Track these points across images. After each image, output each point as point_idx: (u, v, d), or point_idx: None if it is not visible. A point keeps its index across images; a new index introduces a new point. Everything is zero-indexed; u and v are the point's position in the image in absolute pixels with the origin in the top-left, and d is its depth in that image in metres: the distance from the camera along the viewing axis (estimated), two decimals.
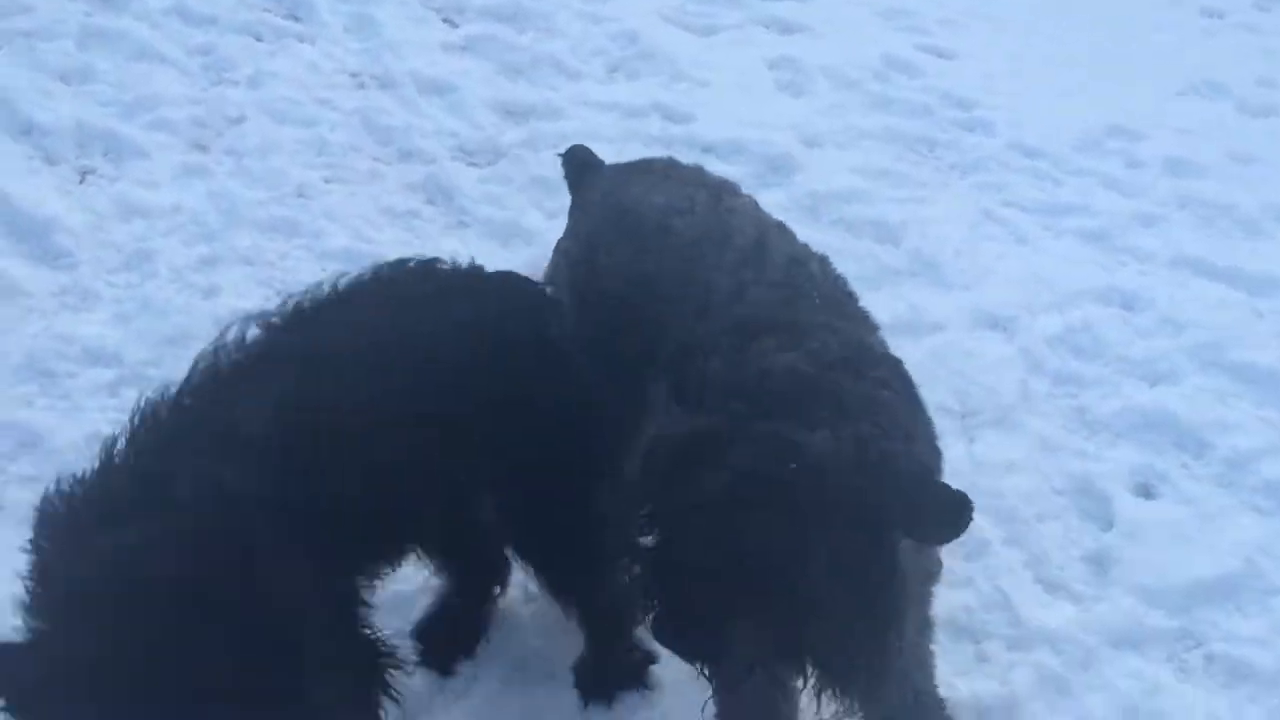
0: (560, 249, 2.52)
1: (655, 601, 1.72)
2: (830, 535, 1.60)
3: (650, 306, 2.17)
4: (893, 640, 1.71)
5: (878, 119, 4.36)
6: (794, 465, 1.61)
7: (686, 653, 1.75)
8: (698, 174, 2.44)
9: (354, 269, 3.24)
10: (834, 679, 1.73)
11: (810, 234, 3.67)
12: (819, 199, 3.87)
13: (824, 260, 2.25)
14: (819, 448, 1.62)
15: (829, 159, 4.10)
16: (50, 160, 3.57)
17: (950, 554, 2.67)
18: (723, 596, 1.63)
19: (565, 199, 3.73)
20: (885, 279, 3.54)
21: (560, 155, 2.70)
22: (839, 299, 2.15)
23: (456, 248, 3.47)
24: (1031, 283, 3.62)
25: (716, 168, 3.95)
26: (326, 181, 3.71)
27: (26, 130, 3.61)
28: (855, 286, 3.49)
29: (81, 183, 3.52)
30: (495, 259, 3.46)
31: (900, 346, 3.24)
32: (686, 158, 3.99)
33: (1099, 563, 2.75)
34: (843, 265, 3.56)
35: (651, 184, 2.33)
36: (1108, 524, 2.84)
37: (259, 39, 4.29)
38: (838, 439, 1.64)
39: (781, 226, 2.31)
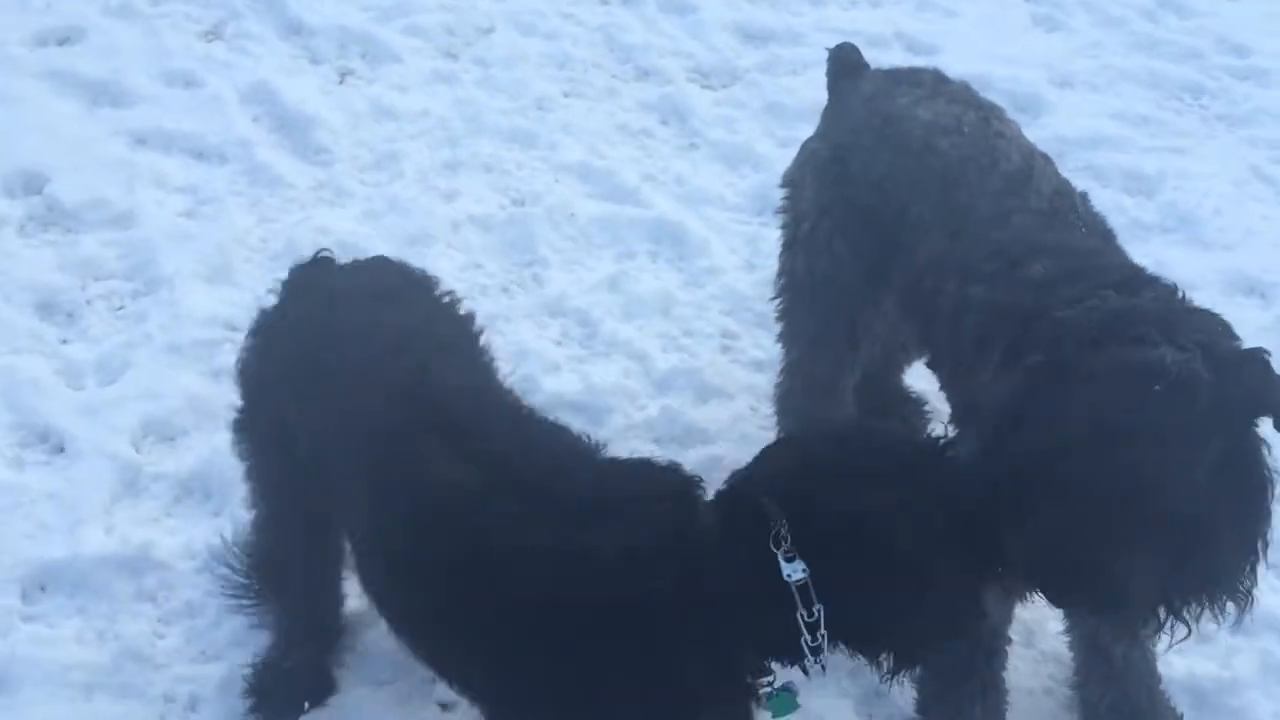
0: (808, 148, 2.47)
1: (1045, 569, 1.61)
2: (1209, 448, 1.54)
3: (899, 223, 2.15)
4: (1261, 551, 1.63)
5: (1140, 61, 4.07)
6: (1158, 386, 1.52)
7: (1095, 606, 1.72)
8: (966, 92, 2.34)
9: (584, 184, 3.40)
10: (1209, 602, 1.66)
11: None
12: (1066, 144, 3.65)
13: (1084, 196, 2.14)
14: (1174, 362, 1.53)
15: (1082, 101, 3.87)
16: (314, 60, 3.78)
17: None
18: (1120, 538, 1.54)
19: (798, 128, 3.70)
20: (1134, 234, 3.31)
21: (827, 50, 2.63)
22: (1104, 233, 2.05)
23: (686, 170, 3.54)
24: None
25: None
26: (565, 95, 3.79)
27: (295, 30, 3.83)
28: None
29: (341, 83, 3.72)
30: (723, 183, 3.50)
31: None
32: None
33: None
34: None
35: (919, 97, 2.26)
36: None
37: None
38: (1183, 349, 1.56)
39: (1046, 157, 2.21)
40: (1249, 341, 2.95)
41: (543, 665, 1.60)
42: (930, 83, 2.33)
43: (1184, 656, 2.30)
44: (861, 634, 1.59)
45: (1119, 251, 2.02)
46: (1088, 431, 1.53)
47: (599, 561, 1.54)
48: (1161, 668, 2.21)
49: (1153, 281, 1.86)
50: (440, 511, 1.66)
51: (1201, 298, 3.07)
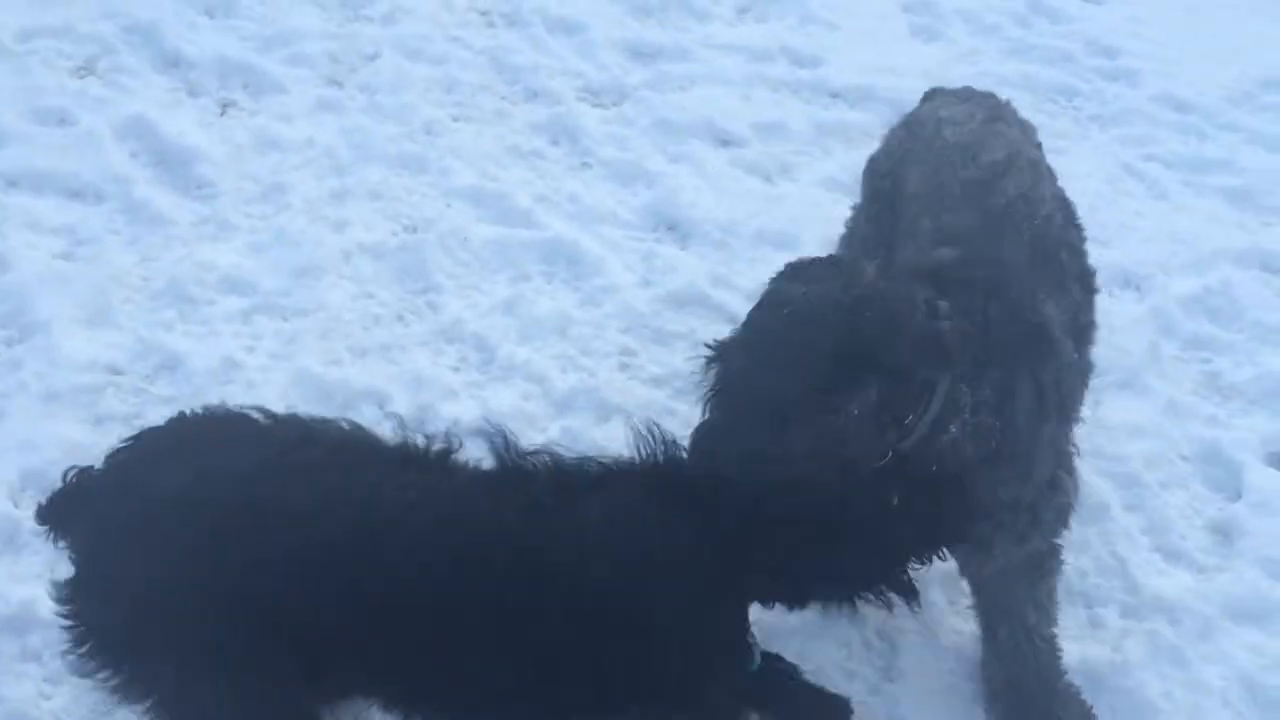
0: (869, 159, 2.71)
1: None
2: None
3: (901, 197, 2.39)
4: None
5: (1015, 66, 4.20)
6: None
7: None
8: (994, 100, 2.60)
9: (476, 208, 3.38)
10: None
11: None
12: None
13: (1067, 210, 2.31)
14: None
15: None
16: (193, 93, 3.70)
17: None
18: None
19: (688, 143, 3.76)
20: None
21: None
22: (1048, 251, 2.14)
23: (578, 189, 3.54)
24: (1169, 241, 3.48)
25: (844, 114, 3.94)
26: (454, 119, 3.77)
27: (173, 63, 3.74)
28: None
29: (222, 115, 3.64)
30: (616, 200, 3.51)
31: None
32: (813, 103, 3.99)
33: (1224, 533, 2.66)
34: None
35: (950, 102, 2.54)
36: (1235, 494, 2.75)
37: None
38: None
39: (1038, 166, 2.35)
40: (1127, 332, 3.11)
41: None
42: (969, 94, 2.63)
43: (1077, 642, 2.37)
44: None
45: (1051, 277, 2.10)
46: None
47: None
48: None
49: (1018, 318, 1.99)
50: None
51: None
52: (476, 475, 1.83)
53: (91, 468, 1.83)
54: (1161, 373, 3.01)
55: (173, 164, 3.38)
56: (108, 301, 2.94)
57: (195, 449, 1.80)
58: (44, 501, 1.82)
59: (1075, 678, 2.28)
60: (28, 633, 2.26)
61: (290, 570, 1.67)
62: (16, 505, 2.49)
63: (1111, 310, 3.17)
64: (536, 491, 1.78)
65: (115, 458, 1.84)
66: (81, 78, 3.65)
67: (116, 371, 2.81)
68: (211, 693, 1.71)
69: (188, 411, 1.91)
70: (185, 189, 3.32)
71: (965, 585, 2.30)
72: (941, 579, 2.48)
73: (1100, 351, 3.01)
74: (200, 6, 3.98)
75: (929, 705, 2.29)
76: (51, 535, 1.82)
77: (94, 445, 2.59)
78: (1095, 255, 3.30)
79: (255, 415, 1.86)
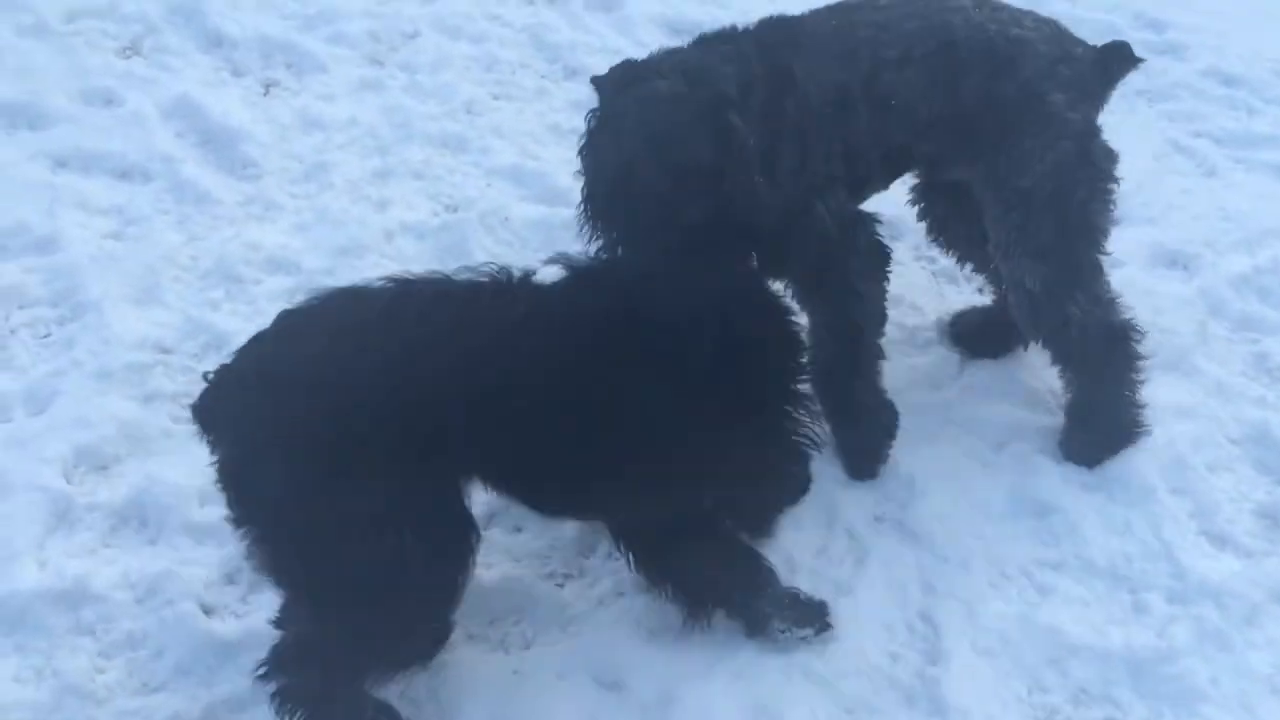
0: None
1: None
2: None
3: None
4: None
5: None
6: None
7: None
8: None
9: (517, 187, 3.39)
10: None
11: None
12: None
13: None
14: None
15: None
16: (237, 72, 3.73)
17: (1112, 499, 2.62)
18: None
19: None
20: None
21: None
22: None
23: None
24: (1218, 219, 3.42)
25: None
26: (495, 98, 3.77)
27: (216, 43, 3.77)
28: None
29: (266, 95, 3.67)
30: None
31: None
32: None
33: (1272, 517, 2.63)
34: None
35: None
36: None
37: None
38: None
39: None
40: (1174, 313, 3.07)
41: None
42: None
43: (1121, 627, 2.36)
44: None
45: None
46: None
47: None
48: (1098, 640, 2.27)
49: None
50: None
51: (1127, 272, 3.20)
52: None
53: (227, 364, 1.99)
54: (1209, 353, 2.97)
55: (218, 144, 3.41)
56: (157, 280, 2.98)
57: (325, 317, 2.00)
58: (195, 404, 1.97)
59: (1119, 664, 2.28)
60: (81, 607, 2.31)
61: (430, 387, 1.90)
62: (69, 481, 2.54)
63: (1159, 290, 3.15)
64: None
65: (249, 348, 2.01)
66: (127, 58, 3.69)
67: (165, 350, 2.85)
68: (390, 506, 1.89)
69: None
70: (231, 169, 3.35)
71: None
72: (984, 558, 2.49)
73: (1148, 332, 3.00)
74: None
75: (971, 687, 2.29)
76: (204, 433, 1.96)
77: (144, 422, 2.67)
78: (1142, 234, 3.33)
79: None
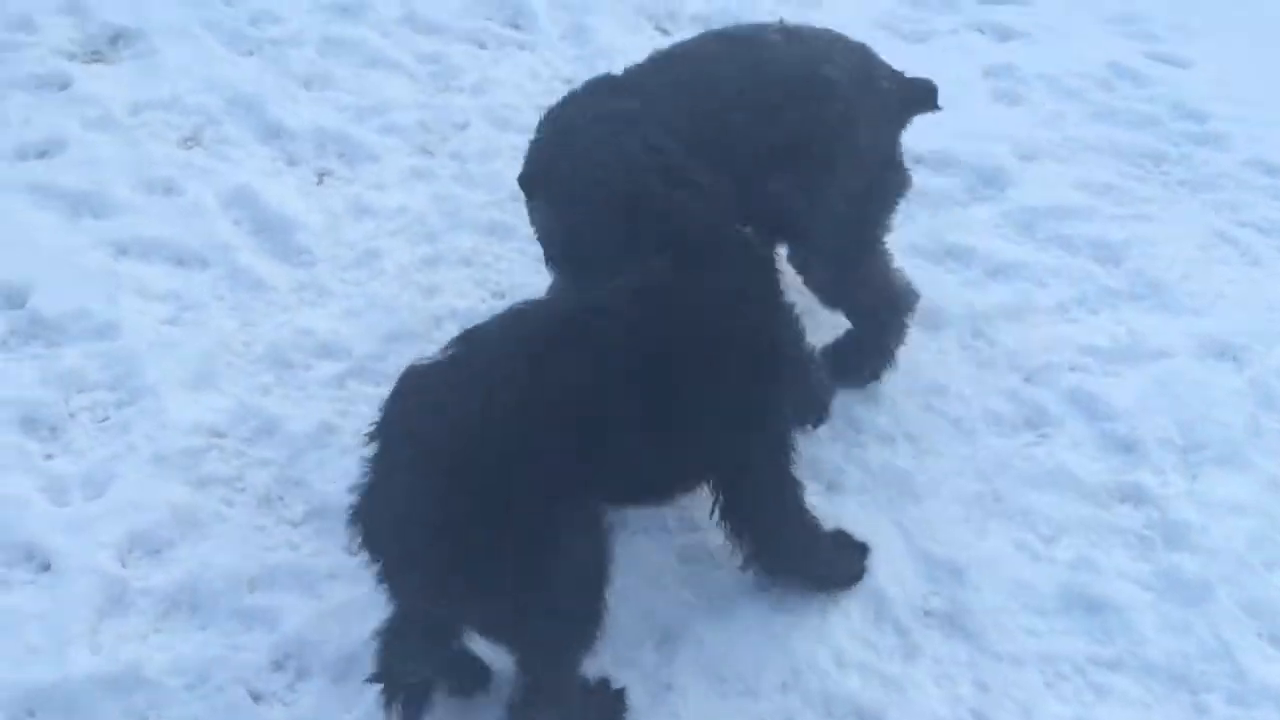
0: None
1: None
2: None
3: None
4: None
5: (1100, 131, 4.17)
6: None
7: None
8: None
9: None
10: None
11: (1024, 251, 3.63)
12: (1035, 215, 3.75)
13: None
14: None
15: (1047, 172, 3.95)
16: (292, 162, 3.83)
17: (1168, 596, 2.58)
18: None
19: None
20: (1105, 301, 3.41)
21: None
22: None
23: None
24: (1266, 310, 3.41)
25: (926, 179, 3.93)
26: None
27: (274, 134, 3.88)
28: (1073, 308, 3.42)
29: (319, 184, 3.76)
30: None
31: (1121, 374, 3.17)
32: None
33: None
34: (1059, 286, 3.52)
35: None
36: None
37: (483, 47, 4.48)
38: None
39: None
40: (1225, 405, 3.06)
41: None
42: None
43: None
44: None
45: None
46: None
47: None
48: None
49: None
50: None
51: (1176, 364, 3.20)
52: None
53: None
54: (1263, 447, 2.94)
55: (273, 232, 3.50)
56: (211, 366, 3.04)
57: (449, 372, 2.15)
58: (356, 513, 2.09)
59: None
60: (133, 692, 2.32)
61: (561, 417, 2.08)
62: (124, 565, 2.57)
63: (1209, 382, 3.13)
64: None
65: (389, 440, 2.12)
66: (188, 148, 3.81)
67: (218, 434, 2.89)
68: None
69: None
70: (285, 256, 3.43)
71: None
72: (1038, 655, 2.44)
73: (1198, 424, 2.99)
74: (299, 79, 4.13)
75: None
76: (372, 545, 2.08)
77: (197, 507, 2.70)
78: (1190, 324, 3.33)
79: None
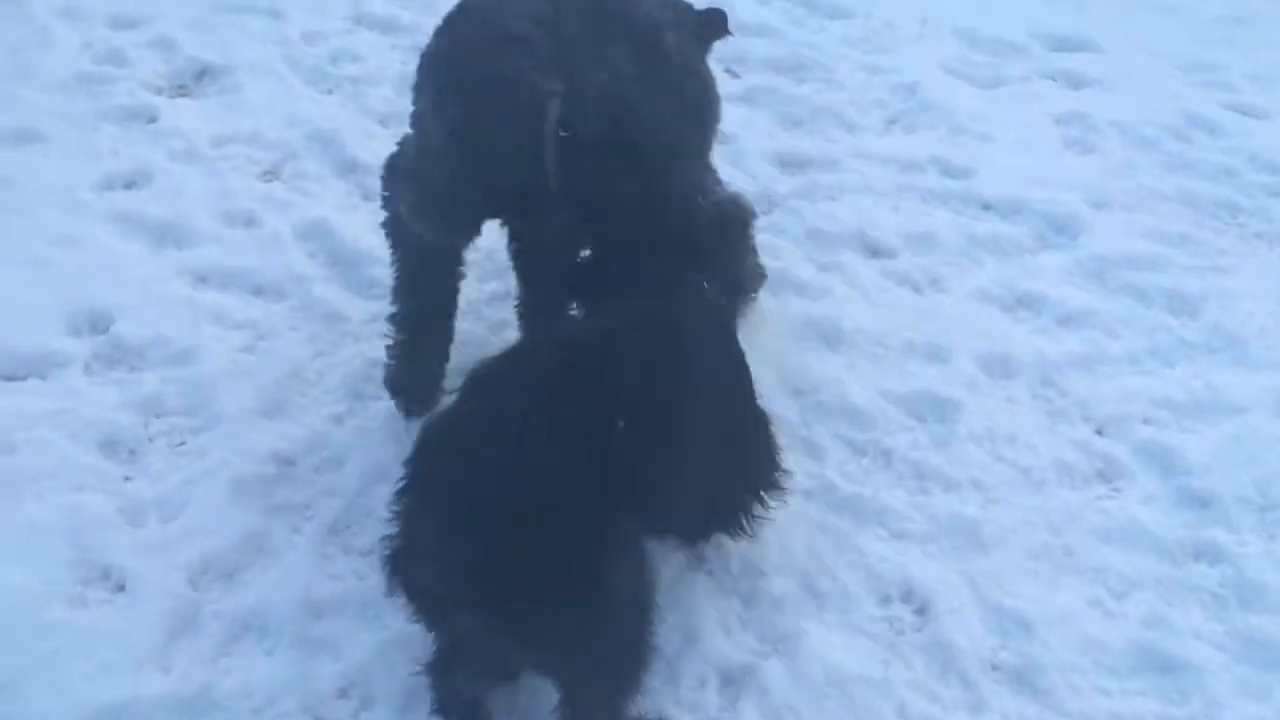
0: None
1: None
2: None
3: None
4: None
5: (1174, 181, 4.12)
6: None
7: None
8: None
9: None
10: None
11: (1096, 301, 3.58)
12: (1106, 264, 3.71)
13: None
14: None
15: (1118, 222, 3.92)
16: (367, 197, 3.89)
17: (1246, 658, 2.52)
18: None
19: (839, 253, 3.78)
20: (1180, 354, 3.36)
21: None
22: None
23: None
24: None
25: (995, 226, 3.92)
26: None
27: (351, 168, 3.96)
28: (1145, 360, 3.37)
29: None
30: (766, 309, 3.55)
31: (1196, 429, 3.12)
32: (964, 213, 3.99)
33: None
34: (1132, 336, 3.47)
35: None
36: None
37: None
38: None
39: None
40: None
41: None
42: None
43: None
44: None
45: None
46: None
47: None
48: None
49: None
50: None
51: (1253, 419, 3.13)
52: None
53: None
54: None
55: (347, 264, 3.56)
56: (284, 395, 3.09)
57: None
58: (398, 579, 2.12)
59: None
60: (203, 715, 2.35)
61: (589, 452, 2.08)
62: (196, 588, 2.61)
63: None
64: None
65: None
66: (268, 182, 3.90)
67: (289, 462, 2.93)
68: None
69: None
70: (358, 288, 3.49)
71: None
72: (1109, 716, 2.39)
73: (1276, 482, 2.92)
74: (376, 116, 4.22)
75: None
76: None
77: (268, 533, 2.74)
78: (1268, 379, 3.26)
79: None
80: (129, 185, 3.81)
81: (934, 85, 4.65)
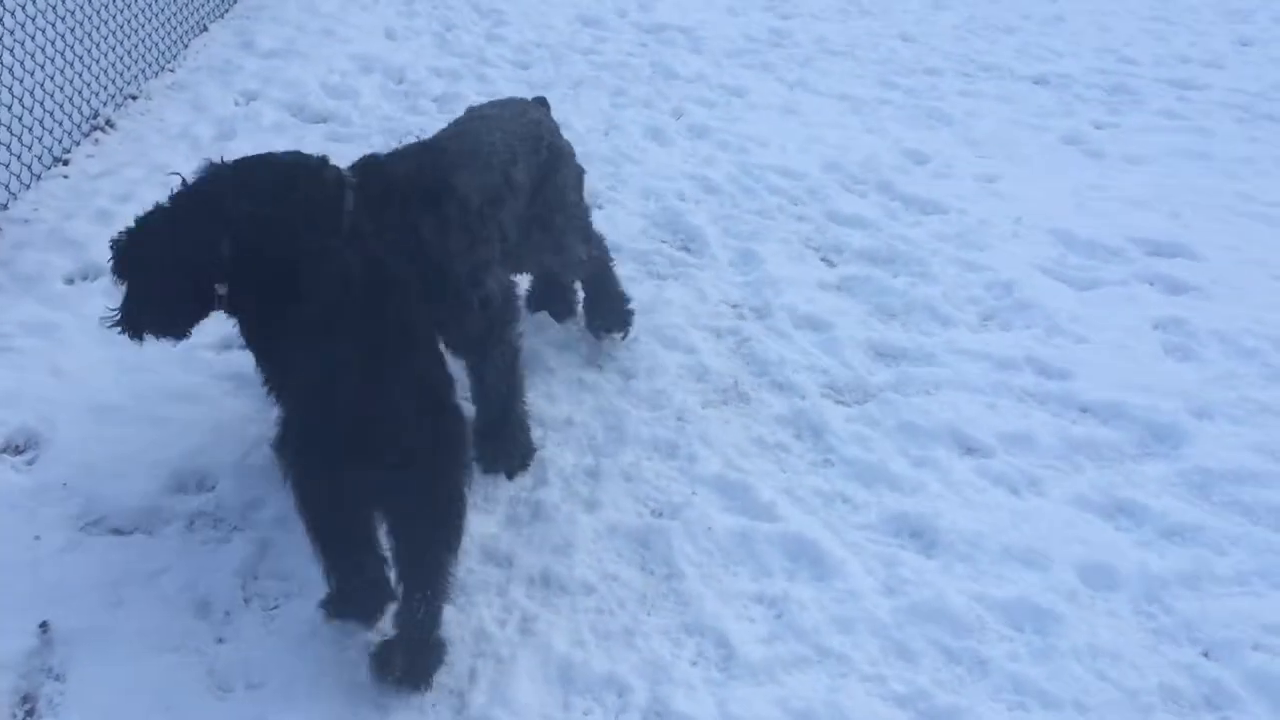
0: None
1: None
2: None
3: None
4: None
5: (1279, 394, 4.06)
6: None
7: None
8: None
9: (721, 497, 3.48)
10: None
11: (1201, 515, 3.50)
12: (1211, 476, 3.63)
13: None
14: None
15: (1223, 433, 3.85)
16: None
17: None
18: None
19: (932, 449, 3.75)
20: None
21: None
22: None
23: (820, 485, 3.58)
24: None
25: (1094, 430, 3.87)
26: (703, 407, 3.92)
27: None
28: (1254, 581, 3.26)
29: None
30: (858, 502, 3.52)
31: None
32: (1062, 415, 3.95)
33: None
34: (1239, 557, 3.36)
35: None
36: None
37: (653, 269, 4.69)
38: None
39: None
40: None
41: None
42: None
43: None
44: None
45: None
46: None
47: None
48: None
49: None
50: None
51: None
52: None
53: None
54: None
55: None
56: None
57: None
58: None
59: None
60: None
61: None
62: None
63: None
64: None
65: None
66: None
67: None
68: None
69: None
70: None
71: None
72: None
73: None
74: None
75: None
76: None
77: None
78: None
79: None
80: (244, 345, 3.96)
81: (1029, 284, 4.70)
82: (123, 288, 3.11)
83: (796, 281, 4.68)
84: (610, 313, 4.16)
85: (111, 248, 3.07)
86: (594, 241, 4.06)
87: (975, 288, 4.70)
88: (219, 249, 2.96)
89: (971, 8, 8.78)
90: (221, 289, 3.01)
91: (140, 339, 3.16)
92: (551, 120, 3.91)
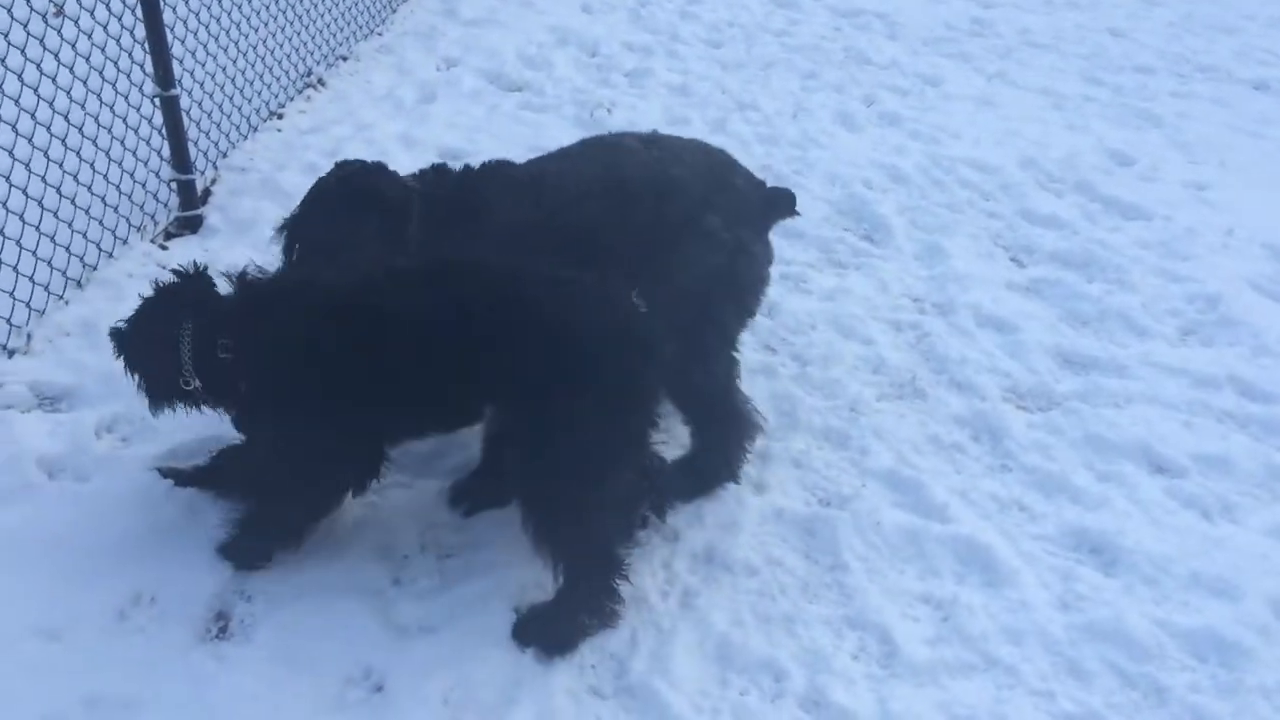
0: None
1: None
2: None
3: None
4: None
5: None
6: None
7: None
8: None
9: (891, 492, 3.41)
10: None
11: None
12: None
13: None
14: None
15: None
16: None
17: None
18: None
19: (1119, 464, 3.59)
20: None
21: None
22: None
23: (997, 491, 3.48)
24: None
25: None
26: (878, 399, 3.86)
27: None
28: None
29: None
30: (1037, 511, 3.40)
31: None
32: (1263, 441, 3.73)
33: None
34: None
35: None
36: None
37: (835, 257, 4.63)
38: None
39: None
40: None
41: None
42: None
43: None
44: None
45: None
46: None
47: None
48: None
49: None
50: None
51: None
52: None
53: None
54: None
55: None
56: None
57: None
58: None
59: None
60: None
61: None
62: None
63: None
64: None
65: None
66: None
67: None
68: None
69: None
70: None
71: None
72: None
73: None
74: None
75: None
76: None
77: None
78: None
79: None
80: None
81: (1237, 299, 4.43)
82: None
83: (983, 279, 4.54)
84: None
85: (111, 336, 2.92)
86: None
87: (1177, 300, 4.46)
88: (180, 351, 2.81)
89: (1190, 5, 8.29)
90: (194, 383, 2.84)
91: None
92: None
